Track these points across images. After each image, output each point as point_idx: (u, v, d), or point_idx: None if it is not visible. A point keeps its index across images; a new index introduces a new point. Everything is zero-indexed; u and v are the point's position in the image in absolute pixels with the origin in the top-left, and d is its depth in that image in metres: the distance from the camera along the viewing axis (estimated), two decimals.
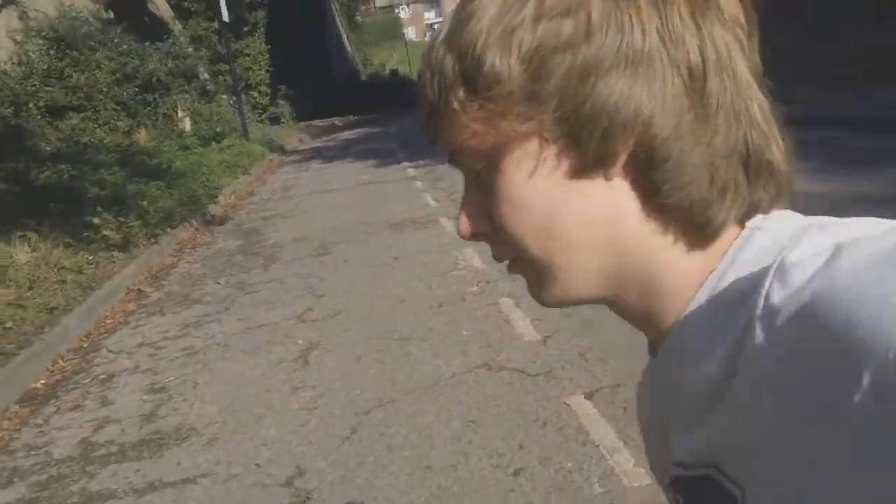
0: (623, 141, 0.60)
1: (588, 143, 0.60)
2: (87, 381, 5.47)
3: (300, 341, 5.60)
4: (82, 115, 15.32)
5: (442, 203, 10.26)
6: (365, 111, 29.54)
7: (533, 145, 0.62)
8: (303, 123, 27.13)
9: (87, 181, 10.61)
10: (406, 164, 14.59)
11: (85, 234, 8.82)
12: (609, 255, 0.64)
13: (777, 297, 0.53)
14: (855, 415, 0.47)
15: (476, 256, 7.16)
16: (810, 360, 0.50)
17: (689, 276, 0.64)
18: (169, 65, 17.86)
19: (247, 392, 4.81)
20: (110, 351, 6.07)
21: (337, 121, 28.86)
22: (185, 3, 24.33)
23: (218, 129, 17.87)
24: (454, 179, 12.01)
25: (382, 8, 79.74)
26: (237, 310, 6.67)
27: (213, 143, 17.08)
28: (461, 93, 0.62)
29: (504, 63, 0.60)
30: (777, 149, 0.63)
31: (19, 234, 8.28)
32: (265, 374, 5.09)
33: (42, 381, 5.51)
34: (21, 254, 7.86)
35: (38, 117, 14.35)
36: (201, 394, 4.91)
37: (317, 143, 22.27)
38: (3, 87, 13.53)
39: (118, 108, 16.12)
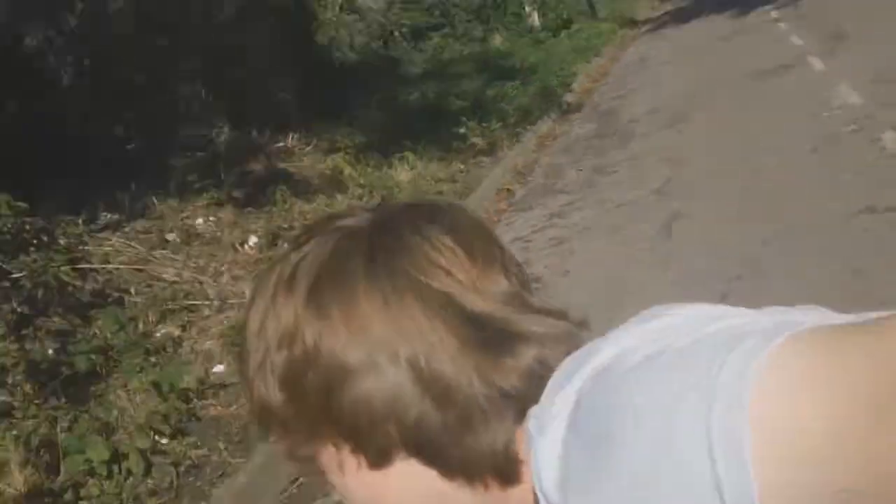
0: (388, 431, 0.63)
1: (367, 441, 0.64)
2: None
3: (662, 213, 5.41)
4: (441, 32, 16.07)
5: (808, 40, 9.29)
6: None
7: (332, 450, 0.66)
8: None
9: (450, 94, 11.14)
10: (768, 6, 13.36)
11: (454, 144, 9.29)
12: None
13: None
14: None
15: (852, 93, 6.38)
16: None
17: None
18: None
19: (612, 274, 4.77)
20: None
21: None
22: None
23: (565, 16, 17.75)
24: (822, 11, 10.80)
25: None
26: (596, 193, 6.62)
27: (563, 32, 17.02)
28: (258, 423, 0.69)
29: (268, 391, 0.67)
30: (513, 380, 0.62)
31: (398, 155, 8.94)
32: (629, 253, 5.00)
33: None
34: (402, 173, 8.50)
35: (403, 43, 15.30)
36: (572, 282, 4.96)
37: (669, 6, 21.23)
38: (371, 20, 14.57)
39: (471, 17, 16.67)
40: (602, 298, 4.48)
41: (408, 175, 8.50)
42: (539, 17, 17.72)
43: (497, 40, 16.27)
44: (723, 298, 3.76)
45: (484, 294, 0.64)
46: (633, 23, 19.50)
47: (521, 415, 0.62)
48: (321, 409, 0.64)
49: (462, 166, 8.76)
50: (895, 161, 4.68)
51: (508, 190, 8.00)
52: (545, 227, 6.31)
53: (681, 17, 17.36)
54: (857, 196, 4.38)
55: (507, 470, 0.64)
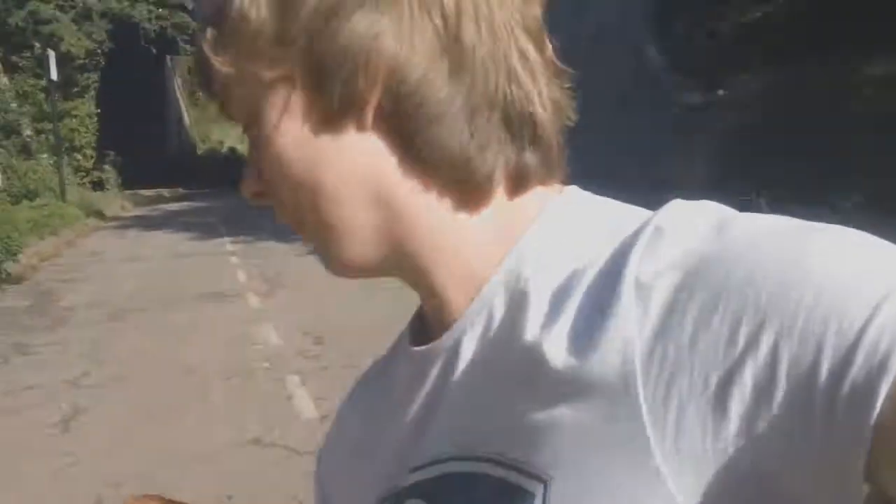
0: (368, 84, 0.56)
1: (333, 87, 0.56)
2: None
3: (63, 405, 5.23)
4: None
5: (252, 279, 10.07)
6: (196, 185, 28.91)
7: (284, 92, 0.58)
8: (129, 191, 26.23)
9: None
10: (226, 238, 14.27)
11: None
12: (377, 213, 0.60)
13: (655, 264, 0.50)
14: (742, 381, 0.45)
15: (274, 333, 7.00)
16: (692, 326, 0.47)
17: (473, 239, 0.61)
18: None
19: None
20: None
21: (165, 192, 28.05)
22: (14, 58, 23.33)
23: (31, 188, 16.98)
24: (270, 256, 11.86)
25: None
26: (7, 370, 6.20)
27: (25, 201, 16.20)
28: (209, 33, 0.59)
29: (252, 2, 0.56)
30: (542, 106, 0.60)
31: None
32: (19, 437, 4.70)
33: None
34: None
35: None
36: None
37: (140, 212, 21.49)
38: None
39: None
40: None
41: None
42: (4, 179, 16.71)
43: None
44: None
45: None
46: (100, 215, 19.30)
47: (515, 179, 0.59)
48: (307, 32, 0.56)
49: None
50: (289, 403, 5.16)
51: None
52: None
53: (147, 224, 17.68)
54: (251, 426, 4.73)
55: (469, 194, 0.59)
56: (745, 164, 11.53)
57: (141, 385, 5.65)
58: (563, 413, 0.52)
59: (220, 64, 0.59)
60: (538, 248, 0.59)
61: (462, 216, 0.60)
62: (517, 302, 0.57)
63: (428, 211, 0.60)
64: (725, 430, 0.45)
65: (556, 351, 0.52)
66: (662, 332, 0.48)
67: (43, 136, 22.13)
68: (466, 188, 0.59)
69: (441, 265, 0.61)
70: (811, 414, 0.42)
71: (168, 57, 37.92)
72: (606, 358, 0.49)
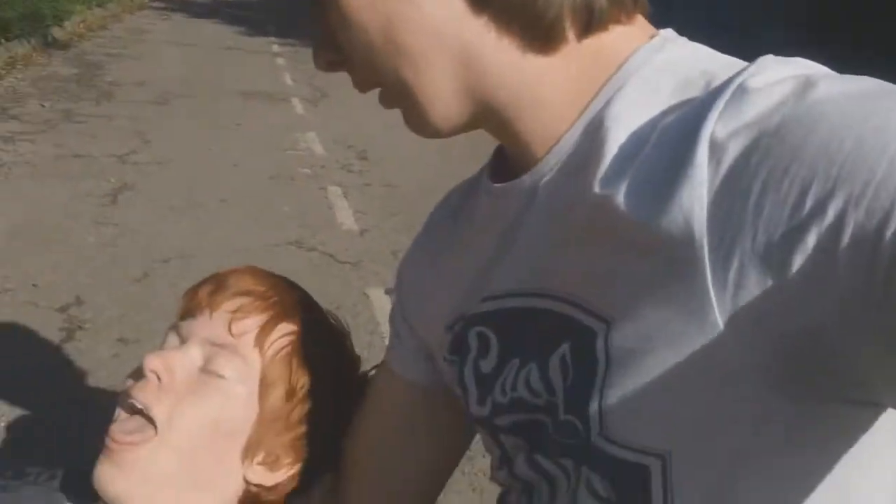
0: None
1: None
2: None
3: (112, 179, 5.33)
4: None
5: (299, 83, 9.96)
6: None
7: None
8: None
9: None
10: (273, 39, 14.02)
11: None
12: (460, 72, 0.60)
13: (733, 123, 0.50)
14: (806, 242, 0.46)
15: (318, 141, 7.03)
16: (760, 187, 0.48)
17: (554, 87, 0.61)
18: None
19: (44, 215, 4.56)
20: None
21: None
22: None
23: None
24: (312, 67, 11.67)
25: None
26: (55, 135, 6.28)
27: None
28: None
29: None
30: None
31: None
32: (68, 202, 4.83)
33: None
34: None
35: None
36: None
37: None
38: None
39: None
40: (18, 231, 4.28)
41: None
42: None
43: None
44: (143, 276, 3.88)
45: None
46: None
47: (584, 20, 0.59)
48: None
49: None
50: (330, 212, 5.24)
51: None
52: None
53: (194, 10, 17.33)
54: (291, 228, 4.84)
55: (541, 34, 0.59)
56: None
57: (186, 170, 5.74)
58: (630, 263, 0.55)
59: None
60: (622, 97, 0.59)
61: (539, 64, 0.60)
62: (595, 151, 0.58)
63: (507, 64, 0.60)
64: (784, 290, 0.47)
65: (628, 204, 0.54)
66: (730, 191, 0.49)
67: None
68: (538, 32, 0.59)
69: (524, 115, 0.63)
70: (872, 280, 0.43)
71: None
72: (676, 216, 0.51)
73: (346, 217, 5.16)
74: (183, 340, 1.00)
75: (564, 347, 0.60)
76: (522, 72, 0.61)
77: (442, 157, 6.83)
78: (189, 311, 1.03)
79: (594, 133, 0.59)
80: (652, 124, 0.56)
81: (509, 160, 0.69)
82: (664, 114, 0.56)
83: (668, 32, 0.63)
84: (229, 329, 0.97)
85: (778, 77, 0.51)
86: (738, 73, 0.53)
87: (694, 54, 0.61)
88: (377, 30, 0.60)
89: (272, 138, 7.01)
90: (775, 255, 0.47)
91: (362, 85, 0.66)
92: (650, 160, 0.54)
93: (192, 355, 0.97)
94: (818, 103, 0.48)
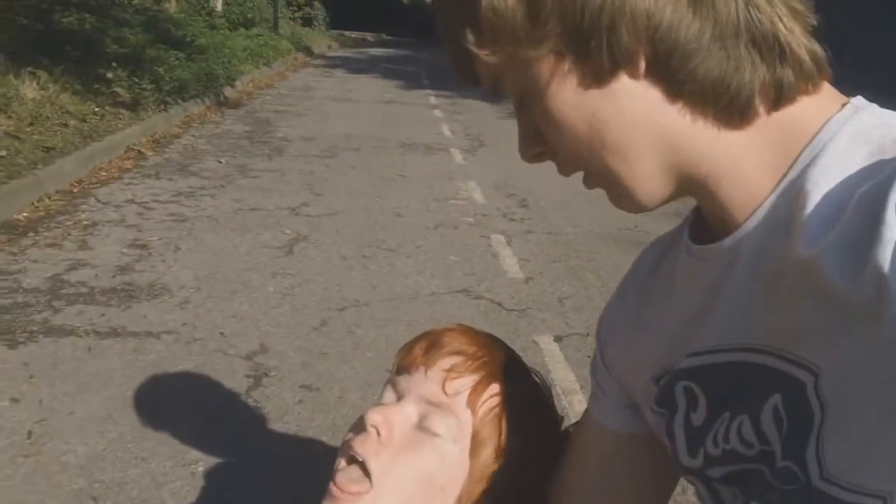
0: (632, 36, 0.60)
1: (599, 48, 0.61)
2: (70, 223, 5.43)
3: (288, 231, 5.56)
4: None
5: (456, 134, 10.17)
6: (400, 33, 29.10)
7: (551, 63, 0.63)
8: (334, 31, 26.74)
9: (108, 35, 10.46)
10: (429, 91, 14.40)
11: (96, 85, 8.72)
12: (661, 153, 0.65)
13: None
14: None
15: (478, 190, 7.11)
16: None
17: (750, 156, 0.65)
18: None
19: (226, 266, 4.79)
20: (99, 201, 6.02)
21: (369, 36, 28.40)
22: None
23: (249, 16, 17.63)
24: (473, 114, 11.91)
25: None
26: (233, 190, 6.61)
27: (242, 29, 16.86)
28: (468, 34, 0.64)
29: None
30: (784, 25, 0.62)
31: (30, 69, 8.17)
32: (248, 254, 5.06)
33: (25, 214, 5.47)
34: (28, 89, 7.76)
35: None
36: (182, 258, 4.88)
37: (345, 53, 21.94)
38: None
39: None
40: (204, 283, 4.50)
41: (35, 93, 7.81)
42: (223, 3, 17.38)
43: (172, 6, 15.65)
44: (322, 324, 3.99)
45: None
46: (308, 51, 19.85)
47: (773, 95, 0.63)
48: (558, 9, 0.61)
49: (97, 109, 8.25)
50: (494, 260, 5.27)
51: (140, 152, 7.67)
52: (169, 201, 6.15)
53: (352, 66, 18.06)
54: (458, 277, 4.89)
55: (736, 114, 0.64)
56: None
57: (355, 221, 5.91)
58: (834, 319, 0.57)
59: (487, 57, 0.65)
60: (818, 165, 0.61)
61: (735, 138, 0.64)
62: (796, 215, 0.60)
63: (705, 142, 0.64)
64: None
65: (833, 266, 0.56)
66: None
67: None
68: (732, 111, 0.63)
69: (723, 184, 0.66)
70: None
71: None
72: (873, 276, 0.53)
73: (510, 265, 5.17)
74: (399, 396, 1.06)
75: (776, 398, 0.63)
76: (720, 146, 0.65)
77: (599, 204, 6.76)
78: (405, 366, 1.10)
79: (794, 199, 0.62)
80: (849, 190, 0.58)
81: (708, 221, 0.73)
82: (861, 180, 0.58)
83: (859, 101, 0.66)
84: (443, 388, 1.02)
85: None
86: None
87: (884, 120, 0.63)
88: (582, 126, 0.65)
89: (434, 188, 7.15)
90: None
91: (566, 170, 0.72)
92: (851, 226, 0.56)
93: (409, 412, 1.02)
94: None
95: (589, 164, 0.68)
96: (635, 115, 0.63)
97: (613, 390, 0.90)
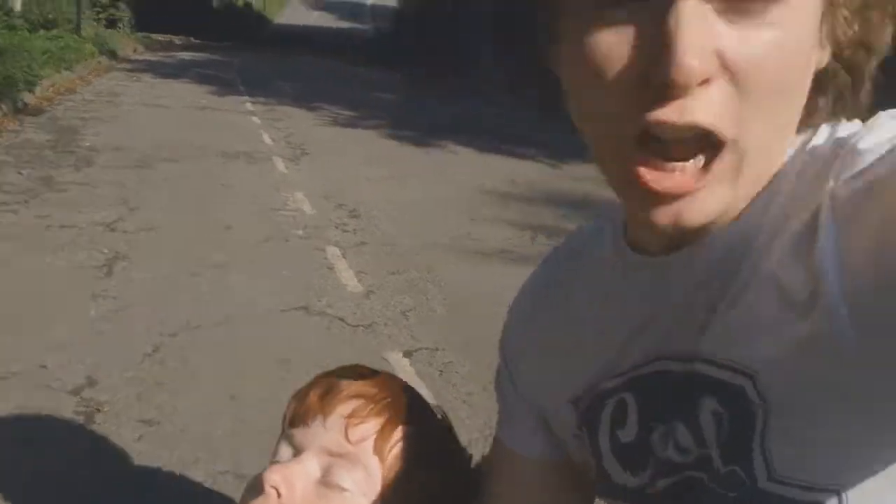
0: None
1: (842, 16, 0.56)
2: None
3: (105, 249, 5.20)
4: None
5: (277, 142, 9.94)
6: (210, 37, 28.20)
7: (820, 4, 0.55)
8: (140, 34, 25.57)
9: None
10: (246, 98, 14.01)
11: None
12: (780, 155, 0.60)
13: (845, 175, 0.54)
14: None
15: (306, 201, 6.96)
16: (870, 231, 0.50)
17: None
18: None
19: (39, 291, 4.42)
20: None
21: (177, 39, 27.29)
22: None
23: (50, 17, 16.57)
24: (292, 121, 11.72)
25: None
26: (38, 205, 6.14)
27: (42, 31, 15.79)
28: None
29: None
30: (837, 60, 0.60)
31: None
32: (64, 276, 4.70)
33: None
34: None
35: None
36: None
37: (152, 57, 20.98)
38: None
39: None
40: (16, 310, 4.15)
41: None
42: (21, 2, 16.23)
43: None
44: (154, 350, 3.76)
45: None
46: (112, 54, 18.87)
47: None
48: None
49: None
50: (331, 273, 5.16)
51: None
52: None
53: (162, 71, 17.34)
54: (296, 293, 4.74)
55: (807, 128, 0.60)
56: None
57: (178, 237, 5.63)
58: (774, 318, 0.56)
59: None
60: (783, 177, 0.59)
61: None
62: (751, 218, 0.59)
63: (789, 138, 0.61)
64: None
65: (779, 269, 0.56)
66: (852, 234, 0.52)
67: None
68: (808, 125, 0.61)
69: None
70: None
71: None
72: (813, 272, 0.53)
73: (348, 278, 5.08)
74: (297, 451, 0.97)
75: (711, 401, 0.60)
76: (782, 153, 0.62)
77: (430, 212, 6.80)
78: (299, 417, 1.00)
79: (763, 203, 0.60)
80: (792, 193, 0.58)
81: (644, 233, 0.67)
82: (803, 181, 0.58)
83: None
84: (346, 436, 0.95)
85: (888, 136, 0.54)
86: (853, 135, 0.57)
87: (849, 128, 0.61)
88: (793, 79, 0.55)
89: (259, 199, 6.94)
90: None
91: (700, 116, 0.53)
92: (791, 228, 0.56)
93: (310, 467, 0.94)
94: None
95: (762, 103, 0.54)
96: (805, 86, 0.57)
97: (524, 413, 0.84)
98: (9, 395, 3.27)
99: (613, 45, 0.53)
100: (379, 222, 6.39)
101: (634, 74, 0.53)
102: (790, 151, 0.61)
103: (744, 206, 0.60)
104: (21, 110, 10.28)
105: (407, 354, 3.99)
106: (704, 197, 0.55)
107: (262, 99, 13.85)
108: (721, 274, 0.60)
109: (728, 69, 0.52)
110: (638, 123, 0.53)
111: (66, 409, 3.21)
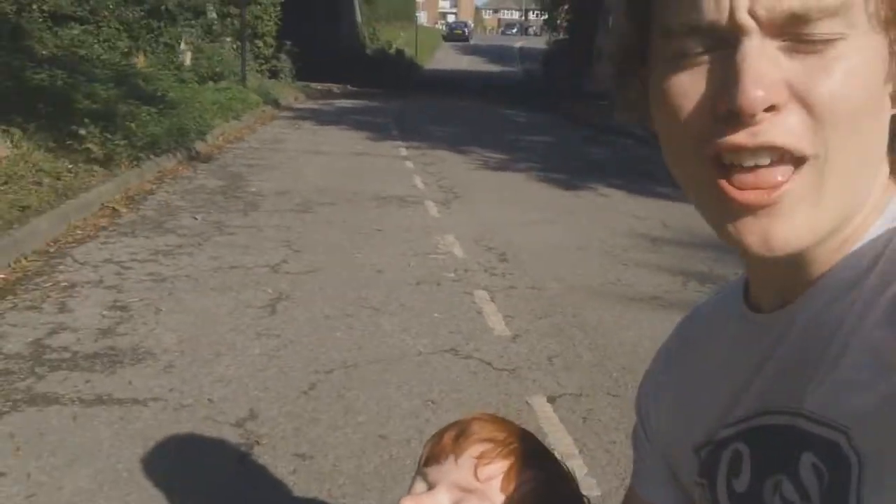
0: None
1: None
2: (49, 285, 5.34)
3: (270, 290, 5.51)
4: (84, 27, 15.08)
5: (429, 186, 10.20)
6: (365, 84, 29.26)
7: (884, 46, 0.60)
8: (301, 83, 26.83)
9: (79, 91, 10.41)
10: (399, 143, 14.45)
11: (69, 142, 8.65)
12: (864, 181, 0.64)
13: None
14: None
15: (457, 244, 7.12)
16: None
17: (868, 212, 0.66)
18: None
19: (209, 328, 4.73)
20: (76, 261, 5.94)
21: (335, 87, 28.47)
22: None
23: (217, 70, 17.65)
24: (444, 165, 11.97)
25: None
26: (211, 247, 6.56)
27: (210, 83, 16.86)
28: None
29: None
30: None
31: (3, 127, 8.10)
32: (231, 314, 5.01)
33: (2, 276, 5.37)
34: (2, 148, 7.69)
35: (40, 21, 14.10)
36: (163, 320, 4.82)
37: (312, 105, 21.98)
38: None
39: (121, 27, 15.93)
40: (188, 346, 4.44)
41: (8, 151, 7.73)
42: (191, 58, 17.40)
43: (141, 61, 15.65)
44: (311, 387, 3.95)
45: None
46: (275, 103, 19.90)
47: None
48: None
49: (71, 166, 8.18)
50: (479, 317, 5.26)
51: (115, 209, 7.60)
52: (147, 260, 6.08)
53: (321, 118, 18.11)
54: (445, 335, 4.87)
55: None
56: None
57: (335, 278, 5.89)
58: (862, 380, 0.59)
59: None
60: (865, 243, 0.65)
61: (872, 206, 0.68)
62: (842, 288, 0.64)
63: (870, 194, 0.67)
64: None
65: (874, 334, 0.59)
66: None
67: (228, 20, 22.82)
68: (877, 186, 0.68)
69: (834, 250, 0.67)
70: None
71: None
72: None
73: (496, 322, 5.17)
74: (430, 486, 1.06)
75: (811, 456, 0.63)
76: (863, 209, 0.68)
77: (579, 256, 6.82)
78: (434, 456, 1.11)
79: (864, 258, 0.65)
80: (891, 258, 0.62)
81: (757, 288, 0.74)
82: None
83: None
84: (476, 474, 1.03)
85: None
86: None
87: None
88: (864, 101, 0.60)
89: (412, 242, 7.15)
90: None
91: (768, 140, 0.59)
92: (888, 293, 0.59)
93: (442, 500, 1.03)
94: None
95: (831, 134, 0.59)
96: (880, 138, 0.63)
97: (657, 464, 0.90)
98: (179, 426, 3.54)
99: (689, 85, 0.61)
100: (528, 266, 6.46)
101: (708, 108, 0.60)
102: (888, 218, 0.66)
103: (835, 244, 0.66)
104: (194, 158, 10.99)
105: (550, 400, 4.02)
106: (788, 212, 0.60)
107: (415, 143, 14.25)
108: (821, 335, 0.65)
109: (798, 98, 0.59)
110: (714, 148, 0.61)
111: (229, 440, 3.43)
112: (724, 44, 0.59)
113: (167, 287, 5.46)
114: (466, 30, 77.33)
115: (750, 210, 0.60)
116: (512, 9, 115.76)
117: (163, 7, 17.10)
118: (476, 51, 60.74)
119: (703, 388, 0.80)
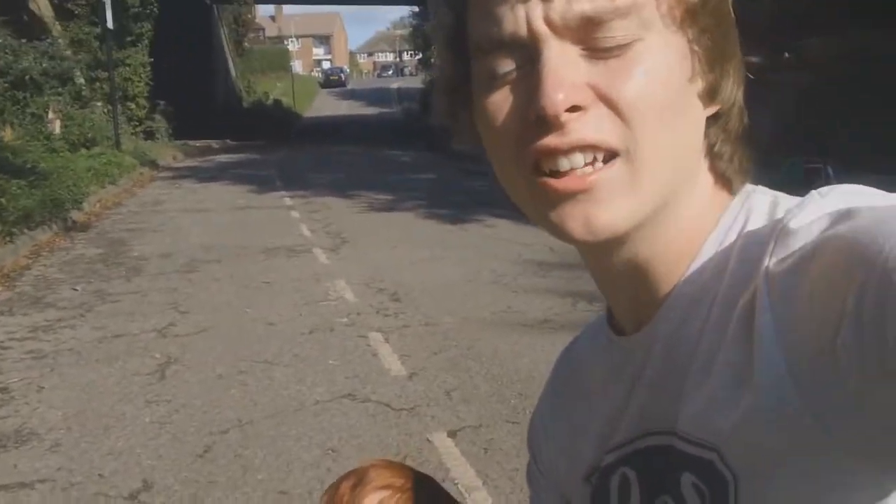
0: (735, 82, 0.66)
1: (717, 70, 0.65)
2: None
3: (158, 355, 5.37)
4: None
5: (316, 233, 10.16)
6: (244, 137, 29.00)
7: (682, 44, 0.63)
8: (178, 142, 26.37)
9: None
10: (283, 193, 14.36)
11: None
12: (676, 174, 0.65)
13: (779, 255, 0.58)
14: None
15: (348, 289, 7.10)
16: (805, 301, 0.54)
17: (699, 223, 0.68)
18: (44, 65, 17.24)
19: (96, 401, 4.57)
20: None
21: (214, 143, 28.11)
22: (69, 5, 23.40)
23: (89, 136, 17.19)
24: (330, 211, 11.93)
25: (272, 38, 78.96)
26: (93, 318, 6.36)
27: (83, 150, 16.40)
28: None
29: None
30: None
31: None
32: (118, 384, 4.85)
33: None
34: None
35: None
36: (47, 398, 4.64)
37: (191, 163, 21.64)
38: None
39: None
40: (74, 421, 4.28)
41: None
42: (61, 126, 16.90)
43: (8, 134, 15.11)
44: (206, 450, 3.86)
45: None
46: (153, 164, 19.50)
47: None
48: (716, 14, 0.64)
49: None
50: (375, 359, 5.25)
51: None
52: (26, 338, 5.85)
53: (201, 175, 17.84)
54: (341, 381, 4.84)
55: (720, 188, 0.69)
56: (812, 131, 11.38)
57: (227, 336, 5.78)
58: (729, 395, 0.60)
59: None
60: (708, 254, 0.67)
61: (706, 206, 0.70)
62: (694, 302, 0.66)
63: (696, 191, 0.68)
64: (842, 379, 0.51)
65: (726, 347, 0.61)
66: (788, 313, 0.56)
67: (97, 84, 22.28)
68: (721, 185, 0.70)
69: (672, 248, 0.69)
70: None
71: (215, 6, 37.93)
72: (752, 356, 0.58)
73: (391, 362, 5.16)
74: None
75: (690, 476, 0.64)
76: (692, 207, 0.69)
77: (470, 288, 6.89)
78: None
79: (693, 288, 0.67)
80: (735, 273, 0.64)
81: (617, 313, 0.75)
82: (746, 262, 0.63)
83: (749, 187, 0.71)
84: None
85: (816, 216, 0.58)
86: (788, 213, 0.61)
87: (776, 197, 0.69)
88: (666, 100, 0.62)
89: (303, 292, 7.09)
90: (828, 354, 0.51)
91: (586, 138, 0.62)
92: (737, 310, 0.61)
93: None
94: (848, 228, 0.54)
95: (635, 132, 0.61)
96: (690, 134, 0.65)
97: (553, 497, 0.90)
98: None
99: (503, 101, 0.64)
100: (420, 304, 6.49)
101: (521, 118, 0.63)
102: (721, 231, 0.68)
103: (671, 257, 0.68)
104: (71, 228, 10.66)
105: (451, 434, 4.04)
106: (607, 198, 0.62)
107: (299, 192, 14.17)
108: (683, 352, 0.66)
109: (604, 99, 0.61)
110: (531, 155, 0.63)
111: None
112: (530, 59, 0.62)
113: (48, 363, 5.25)
114: (343, 75, 77.53)
115: (569, 195, 0.62)
116: (386, 51, 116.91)
117: (27, 77, 16.61)
118: (354, 95, 60.98)
119: (585, 416, 0.81)
